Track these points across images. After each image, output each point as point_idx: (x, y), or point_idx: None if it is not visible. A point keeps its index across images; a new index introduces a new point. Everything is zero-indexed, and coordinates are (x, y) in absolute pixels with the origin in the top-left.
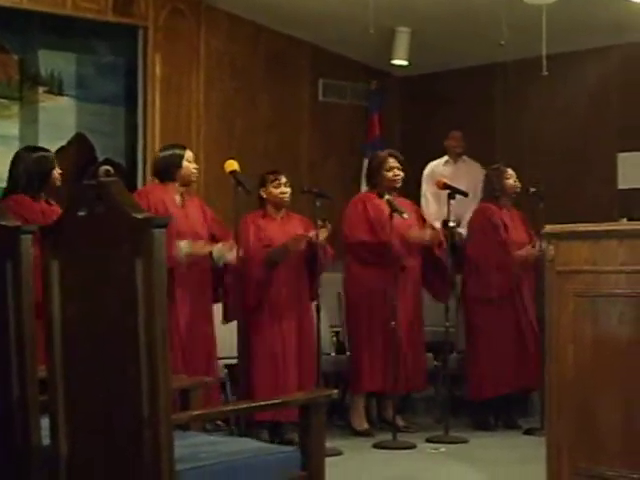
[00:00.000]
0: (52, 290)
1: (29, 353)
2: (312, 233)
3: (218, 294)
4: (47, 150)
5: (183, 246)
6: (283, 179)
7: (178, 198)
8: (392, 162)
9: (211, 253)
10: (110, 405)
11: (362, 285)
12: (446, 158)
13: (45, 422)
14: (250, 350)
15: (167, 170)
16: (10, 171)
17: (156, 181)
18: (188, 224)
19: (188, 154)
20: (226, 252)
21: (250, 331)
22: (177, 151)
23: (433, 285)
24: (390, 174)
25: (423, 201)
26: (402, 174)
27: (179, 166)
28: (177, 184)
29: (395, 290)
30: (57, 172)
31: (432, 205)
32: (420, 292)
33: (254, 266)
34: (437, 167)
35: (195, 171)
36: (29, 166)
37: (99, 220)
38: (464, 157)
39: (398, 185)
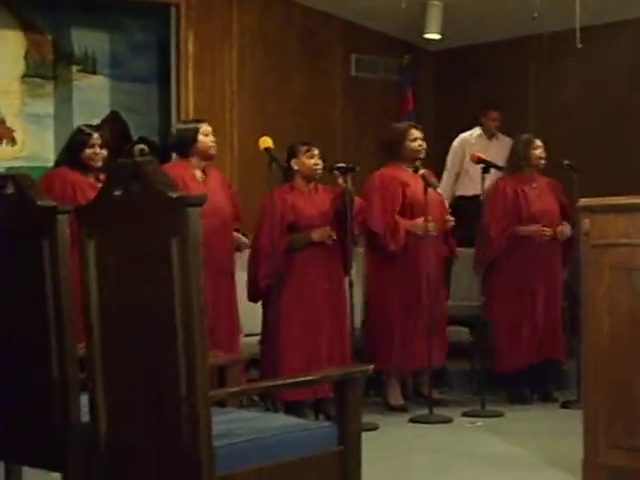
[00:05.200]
0: (89, 269)
1: (68, 331)
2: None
3: None
4: (93, 127)
5: None
6: (316, 151)
7: (199, 173)
8: (415, 133)
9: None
10: (148, 382)
11: (387, 262)
12: (479, 132)
13: (84, 400)
14: (280, 326)
15: (183, 145)
16: None
17: (179, 158)
18: (210, 200)
19: (204, 128)
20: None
21: (279, 307)
22: (192, 125)
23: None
24: (415, 144)
25: (445, 175)
26: (425, 144)
27: (194, 140)
28: (196, 159)
29: (426, 264)
30: (90, 151)
31: (446, 180)
32: (443, 264)
33: (275, 250)
34: (468, 140)
35: (213, 144)
36: (68, 139)
37: (134, 199)
38: (499, 135)
39: (422, 156)
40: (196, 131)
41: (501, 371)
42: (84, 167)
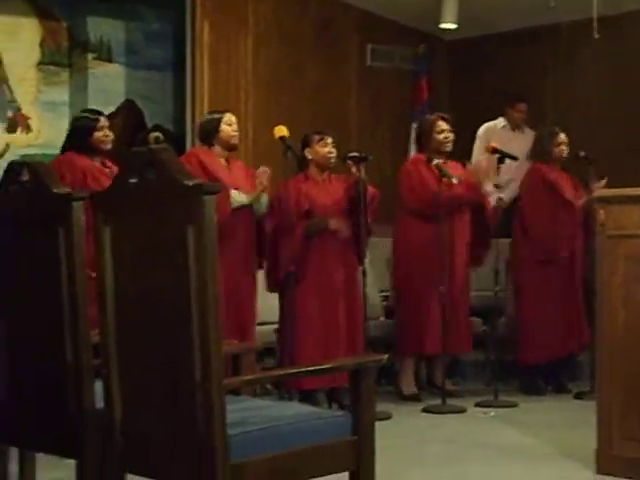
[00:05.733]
0: (104, 256)
1: (82, 318)
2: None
3: (261, 260)
4: (98, 112)
5: (235, 196)
6: (330, 139)
7: (223, 162)
8: (442, 125)
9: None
10: (163, 370)
11: (414, 248)
12: (503, 123)
13: (98, 386)
14: (296, 315)
15: (207, 135)
16: None
17: (204, 146)
18: (233, 183)
19: (227, 117)
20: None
21: (295, 296)
22: (215, 115)
23: (473, 248)
24: (441, 137)
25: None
26: (452, 136)
27: (217, 130)
28: (219, 148)
29: (448, 253)
30: (101, 134)
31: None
32: (468, 255)
33: (293, 237)
34: (493, 129)
35: (235, 134)
36: (72, 125)
37: (150, 187)
38: (525, 128)
39: (449, 148)
40: (219, 120)
41: (525, 363)
42: (92, 151)
